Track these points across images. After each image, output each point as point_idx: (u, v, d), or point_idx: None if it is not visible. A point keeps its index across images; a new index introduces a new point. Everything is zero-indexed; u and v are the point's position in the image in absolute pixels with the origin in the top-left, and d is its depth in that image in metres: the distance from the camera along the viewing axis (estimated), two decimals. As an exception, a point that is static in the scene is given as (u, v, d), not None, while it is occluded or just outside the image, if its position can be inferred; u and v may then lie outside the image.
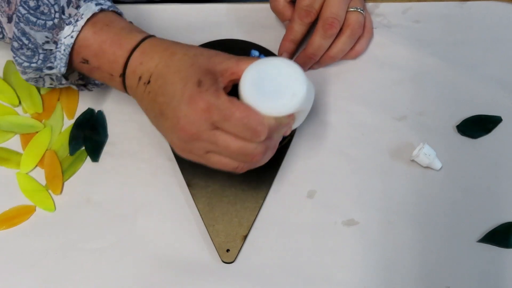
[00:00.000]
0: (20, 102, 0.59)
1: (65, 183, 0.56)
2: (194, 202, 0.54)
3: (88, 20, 0.48)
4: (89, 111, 0.59)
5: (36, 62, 0.49)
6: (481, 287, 0.51)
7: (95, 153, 0.57)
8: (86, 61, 0.49)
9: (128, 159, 0.57)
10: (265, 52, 0.60)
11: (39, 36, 0.47)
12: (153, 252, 0.53)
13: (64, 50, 0.48)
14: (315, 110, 0.58)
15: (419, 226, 0.53)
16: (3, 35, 0.50)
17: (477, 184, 0.55)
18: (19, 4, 0.47)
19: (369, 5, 0.63)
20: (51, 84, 0.52)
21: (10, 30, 0.49)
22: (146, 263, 0.52)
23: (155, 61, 0.47)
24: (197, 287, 0.52)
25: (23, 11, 0.47)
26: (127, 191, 0.55)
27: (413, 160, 0.55)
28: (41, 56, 0.49)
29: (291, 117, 0.47)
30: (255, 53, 0.60)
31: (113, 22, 0.49)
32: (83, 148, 0.57)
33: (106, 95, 0.60)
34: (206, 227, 0.53)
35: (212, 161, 0.47)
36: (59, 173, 0.56)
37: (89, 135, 0.57)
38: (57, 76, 0.50)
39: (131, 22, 0.51)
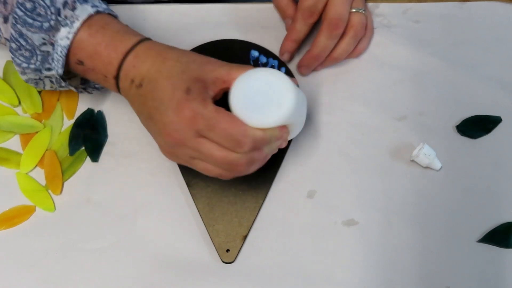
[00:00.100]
0: (20, 102, 0.59)
1: (65, 183, 0.56)
2: (194, 202, 0.54)
3: (84, 22, 0.48)
4: (89, 111, 0.59)
5: (34, 64, 0.49)
6: (481, 287, 0.51)
7: (95, 153, 0.57)
8: (81, 63, 0.49)
9: (128, 159, 0.57)
10: (265, 52, 0.60)
11: (36, 38, 0.48)
12: (153, 252, 0.53)
13: (61, 51, 0.48)
14: (315, 110, 0.59)
15: (419, 226, 0.53)
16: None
17: (477, 184, 0.55)
18: (15, 5, 0.47)
19: (369, 5, 0.63)
20: (51, 87, 0.53)
21: (6, 30, 0.49)
22: (146, 263, 0.52)
23: (148, 65, 0.47)
24: (197, 287, 0.52)
25: (20, 13, 0.47)
26: (127, 191, 0.55)
27: (413, 160, 0.55)
28: (39, 57, 0.49)
29: (284, 129, 0.47)
30: (255, 53, 0.60)
31: (108, 25, 0.49)
32: (83, 148, 0.57)
33: (106, 95, 0.60)
34: (206, 227, 0.53)
35: (197, 167, 0.48)
36: (59, 173, 0.56)
37: (89, 135, 0.57)
38: (56, 78, 0.50)
39: (127, 25, 0.51)
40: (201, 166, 0.48)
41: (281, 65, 0.60)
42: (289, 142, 0.57)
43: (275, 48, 0.60)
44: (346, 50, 0.57)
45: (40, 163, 0.56)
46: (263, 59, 0.60)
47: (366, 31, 0.59)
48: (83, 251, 0.53)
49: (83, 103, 0.59)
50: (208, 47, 0.61)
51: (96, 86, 0.55)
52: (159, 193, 0.55)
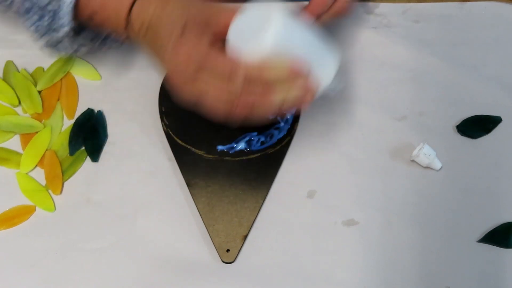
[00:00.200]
0: (20, 102, 0.59)
1: (65, 183, 0.56)
2: (194, 202, 0.54)
3: None
4: (89, 111, 0.59)
5: (44, 25, 0.50)
6: (481, 287, 0.51)
7: (95, 153, 0.57)
8: (91, 17, 0.50)
9: (128, 159, 0.57)
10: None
11: None
12: (153, 252, 0.53)
13: (67, 7, 0.49)
14: (315, 110, 0.58)
15: (419, 226, 0.53)
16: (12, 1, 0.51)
17: (477, 184, 0.55)
18: None
19: (369, 5, 0.63)
20: (66, 50, 0.53)
21: None
22: (146, 263, 0.52)
23: (151, 11, 0.48)
24: (197, 287, 0.52)
25: None
26: (127, 191, 0.55)
27: (413, 160, 0.55)
28: (48, 18, 0.50)
29: (292, 68, 0.45)
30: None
31: None
32: (83, 148, 0.57)
33: (106, 95, 0.60)
34: (206, 227, 0.53)
35: (205, 105, 0.48)
36: (59, 173, 0.56)
37: (89, 135, 0.57)
38: (69, 37, 0.51)
39: None
40: (207, 103, 0.48)
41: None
42: (289, 142, 0.57)
43: (275, 48, 0.60)
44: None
45: (40, 163, 0.56)
46: (263, 59, 0.60)
47: None
48: (83, 251, 0.53)
49: (83, 103, 0.59)
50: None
51: (110, 41, 0.56)
52: (159, 193, 0.55)
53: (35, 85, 0.60)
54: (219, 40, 0.47)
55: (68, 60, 0.61)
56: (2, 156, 0.57)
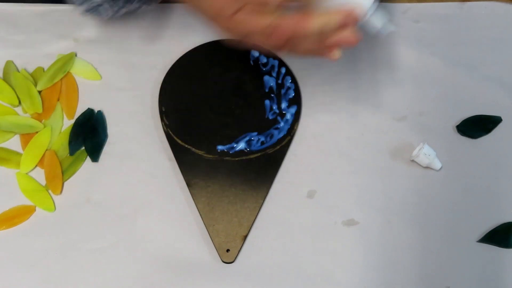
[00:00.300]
0: (20, 102, 0.59)
1: (65, 183, 0.56)
2: (194, 202, 0.54)
3: None
4: (89, 111, 0.59)
5: None
6: (481, 287, 0.51)
7: (95, 153, 0.57)
8: None
9: (128, 159, 0.57)
10: (265, 52, 0.60)
11: None
12: (153, 252, 0.53)
13: None
14: (315, 110, 0.58)
15: (419, 226, 0.53)
16: None
17: (477, 184, 0.55)
18: None
19: (369, 5, 0.63)
20: (107, 13, 0.53)
21: None
22: (146, 263, 0.52)
23: None
24: (197, 287, 0.52)
25: None
26: (127, 191, 0.55)
27: (413, 160, 0.55)
28: None
29: None
30: (255, 53, 0.60)
31: None
32: (83, 148, 0.57)
33: (106, 95, 0.60)
34: (206, 227, 0.53)
35: (253, 38, 0.47)
36: (59, 173, 0.56)
37: (89, 135, 0.57)
38: (108, 1, 0.51)
39: None
40: (250, 38, 0.48)
41: (281, 65, 0.60)
42: (289, 142, 0.57)
43: (275, 48, 0.60)
44: None
45: (40, 163, 0.56)
46: (263, 59, 0.60)
47: None
48: (83, 251, 0.53)
49: (83, 103, 0.59)
50: (208, 47, 0.61)
51: None
52: (159, 193, 0.55)
53: (35, 85, 0.60)
54: None
55: (68, 60, 0.61)
56: (2, 156, 0.57)
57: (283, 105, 0.58)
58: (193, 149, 0.56)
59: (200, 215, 0.54)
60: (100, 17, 0.54)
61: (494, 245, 0.52)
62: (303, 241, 0.53)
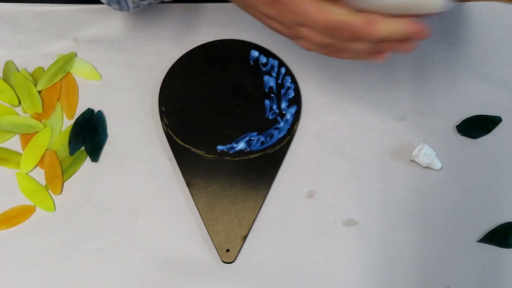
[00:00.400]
0: (19, 102, 0.59)
1: (65, 183, 0.56)
2: (194, 202, 0.54)
3: None
4: (89, 111, 0.59)
5: None
6: (481, 287, 0.51)
7: (95, 153, 0.57)
8: None
9: (128, 159, 0.57)
10: (265, 52, 0.60)
11: None
12: (153, 252, 0.53)
13: None
14: (315, 110, 0.58)
15: (419, 226, 0.53)
16: None
17: (477, 184, 0.55)
18: None
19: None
20: (133, 2, 0.50)
21: None
22: (146, 263, 0.52)
23: None
24: (197, 287, 0.52)
25: None
26: (127, 191, 0.55)
27: (413, 160, 0.55)
28: None
29: None
30: (255, 53, 0.61)
31: None
32: (83, 148, 0.57)
33: (106, 95, 0.60)
34: (206, 227, 0.53)
35: (303, 34, 0.44)
36: (59, 173, 0.56)
37: (89, 135, 0.57)
38: None
39: None
40: (305, 34, 0.44)
41: (281, 65, 0.60)
42: (289, 142, 0.57)
43: (275, 48, 0.60)
44: None
45: (40, 163, 0.56)
46: (263, 59, 0.60)
47: None
48: (83, 251, 0.53)
49: (83, 103, 0.59)
50: (208, 47, 0.61)
51: None
52: (159, 193, 0.55)
53: (35, 85, 0.60)
54: None
55: (68, 60, 0.61)
56: (2, 156, 0.57)
57: (283, 105, 0.58)
58: (193, 149, 0.56)
59: (200, 215, 0.54)
60: (121, 9, 0.53)
61: (494, 245, 0.52)
62: (303, 241, 0.53)
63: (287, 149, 0.56)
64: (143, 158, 0.57)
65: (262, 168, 0.56)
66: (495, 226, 0.53)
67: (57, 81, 0.60)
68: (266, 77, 0.59)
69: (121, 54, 0.62)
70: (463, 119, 0.58)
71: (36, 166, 0.57)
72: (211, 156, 0.56)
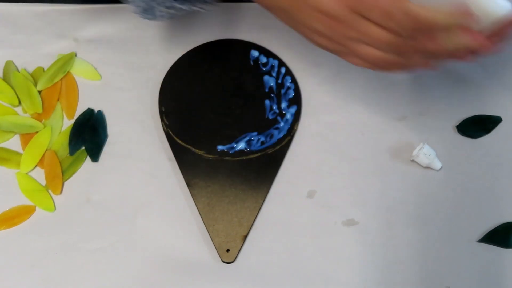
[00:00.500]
0: (20, 102, 0.59)
1: (65, 183, 0.56)
2: (194, 202, 0.54)
3: None
4: (89, 111, 0.59)
5: None
6: (481, 287, 0.51)
7: (95, 153, 0.57)
8: None
9: (128, 159, 0.57)
10: (265, 52, 0.60)
11: None
12: (153, 252, 0.53)
13: None
14: (315, 110, 0.58)
15: (419, 226, 0.53)
16: None
17: (477, 184, 0.55)
18: None
19: (369, 5, 0.63)
20: (162, 12, 0.49)
21: None
22: (146, 263, 0.52)
23: None
24: (197, 287, 0.52)
25: None
26: (127, 191, 0.55)
27: (413, 160, 0.55)
28: None
29: (465, 12, 0.38)
30: (255, 53, 0.61)
31: None
32: (83, 148, 0.57)
33: (106, 95, 0.60)
34: (206, 227, 0.53)
35: (357, 50, 0.43)
36: (59, 173, 0.56)
37: (89, 135, 0.57)
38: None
39: None
40: (360, 50, 0.43)
41: (281, 65, 0.60)
42: (289, 142, 0.57)
43: (275, 48, 0.61)
44: None
45: (40, 163, 0.56)
46: (263, 59, 0.60)
47: None
48: (83, 251, 0.53)
49: (83, 103, 0.59)
50: (208, 47, 0.61)
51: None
52: (159, 193, 0.55)
53: (35, 85, 0.60)
54: None
55: (68, 60, 0.61)
56: (2, 156, 0.57)
57: (283, 105, 0.58)
58: (193, 149, 0.56)
59: (200, 215, 0.54)
60: (154, 19, 0.52)
61: (494, 245, 0.52)
62: (303, 241, 0.53)
63: (287, 149, 0.56)
64: (143, 158, 0.57)
65: (262, 168, 0.56)
66: (495, 226, 0.53)
67: (57, 81, 0.60)
68: (266, 77, 0.60)
69: (121, 54, 0.62)
70: (463, 119, 0.58)
71: (36, 166, 0.57)
72: (211, 156, 0.56)
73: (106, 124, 0.58)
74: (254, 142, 0.57)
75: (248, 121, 0.57)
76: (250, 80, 0.59)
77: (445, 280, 0.51)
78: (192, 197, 0.54)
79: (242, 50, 0.60)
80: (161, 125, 0.58)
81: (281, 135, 0.57)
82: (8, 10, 0.64)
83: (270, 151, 0.56)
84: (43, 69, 0.61)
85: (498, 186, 0.55)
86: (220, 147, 0.56)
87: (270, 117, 0.58)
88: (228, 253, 0.52)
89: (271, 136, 0.57)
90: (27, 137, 0.57)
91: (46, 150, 0.57)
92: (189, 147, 0.56)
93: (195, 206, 0.54)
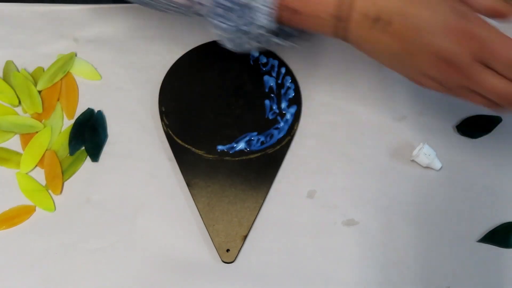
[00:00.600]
0: (20, 102, 0.59)
1: (65, 183, 0.56)
2: (194, 202, 0.54)
3: None
4: (89, 111, 0.59)
5: (239, 23, 0.46)
6: (481, 287, 0.51)
7: (95, 153, 0.57)
8: (292, 10, 0.45)
9: (128, 159, 0.57)
10: (265, 52, 0.60)
11: None
12: (153, 252, 0.53)
13: (264, 2, 0.44)
14: (315, 110, 0.58)
15: (419, 226, 0.53)
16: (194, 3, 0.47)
17: (477, 184, 0.55)
18: None
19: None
20: (252, 46, 0.49)
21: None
22: (146, 263, 0.52)
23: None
24: (197, 287, 0.52)
25: None
26: (127, 191, 0.55)
27: (413, 160, 0.55)
28: (243, 14, 0.45)
29: None
30: (255, 53, 0.60)
31: None
32: (83, 148, 0.57)
33: (106, 95, 0.60)
34: (206, 227, 0.53)
35: (468, 98, 0.43)
36: (59, 173, 0.56)
37: (89, 135, 0.57)
38: (261, 34, 0.47)
39: None
40: (473, 99, 0.42)
41: (281, 65, 0.60)
42: (289, 142, 0.57)
43: (275, 48, 0.60)
44: None
45: (40, 163, 0.56)
46: (263, 59, 0.60)
47: None
48: (83, 251, 0.53)
49: (83, 103, 0.59)
50: (209, 47, 0.61)
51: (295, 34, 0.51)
52: (159, 193, 0.55)
53: (35, 85, 0.60)
54: None
55: (68, 60, 0.61)
56: (2, 156, 0.57)
57: (283, 105, 0.58)
58: (193, 149, 0.56)
59: (200, 215, 0.54)
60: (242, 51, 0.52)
61: (494, 245, 0.52)
62: (303, 241, 0.53)
63: (287, 149, 0.56)
64: (143, 158, 0.57)
65: (262, 168, 0.56)
66: (495, 226, 0.53)
67: (57, 81, 0.60)
68: (266, 77, 0.60)
69: (121, 54, 0.62)
70: (463, 119, 0.58)
71: (36, 166, 0.57)
72: (211, 156, 0.56)
73: (106, 124, 0.58)
74: (254, 142, 0.57)
75: (248, 121, 0.58)
76: (250, 80, 0.59)
77: (445, 280, 0.51)
78: (192, 197, 0.54)
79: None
80: (161, 125, 0.58)
81: (281, 135, 0.57)
82: (8, 10, 0.64)
83: (270, 151, 0.56)
84: (43, 69, 0.61)
85: (498, 186, 0.55)
86: (220, 147, 0.56)
87: (270, 117, 0.58)
88: (228, 253, 0.52)
89: (271, 136, 0.57)
90: (27, 137, 0.57)
91: (46, 150, 0.57)
92: (189, 147, 0.56)
93: (195, 206, 0.54)
